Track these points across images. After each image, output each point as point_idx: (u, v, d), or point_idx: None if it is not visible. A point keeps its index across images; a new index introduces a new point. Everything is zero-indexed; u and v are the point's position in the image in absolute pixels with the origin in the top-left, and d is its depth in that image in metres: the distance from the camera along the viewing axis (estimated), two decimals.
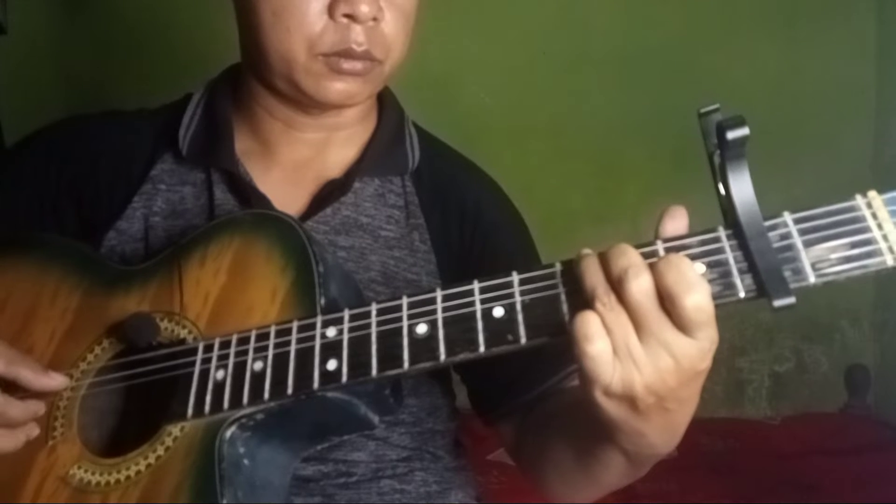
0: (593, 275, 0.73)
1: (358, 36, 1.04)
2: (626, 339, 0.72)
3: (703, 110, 0.74)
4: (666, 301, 0.70)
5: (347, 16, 1.03)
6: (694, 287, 0.69)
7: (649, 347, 0.72)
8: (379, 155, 1.17)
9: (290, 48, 1.05)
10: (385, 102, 1.21)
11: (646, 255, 0.73)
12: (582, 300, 0.74)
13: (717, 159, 0.73)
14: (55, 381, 0.95)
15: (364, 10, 1.02)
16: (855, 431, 2.41)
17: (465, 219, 1.17)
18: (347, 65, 1.05)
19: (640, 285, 0.70)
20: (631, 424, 0.78)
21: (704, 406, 2.67)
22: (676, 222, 0.76)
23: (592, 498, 1.06)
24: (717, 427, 2.47)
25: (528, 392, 1.12)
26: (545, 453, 1.07)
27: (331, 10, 1.03)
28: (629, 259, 0.72)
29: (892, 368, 2.70)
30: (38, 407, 0.94)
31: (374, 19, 1.04)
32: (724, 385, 2.77)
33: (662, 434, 0.82)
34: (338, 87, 1.07)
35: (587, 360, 0.72)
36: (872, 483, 2.03)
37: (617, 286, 0.71)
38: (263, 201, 1.10)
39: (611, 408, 0.76)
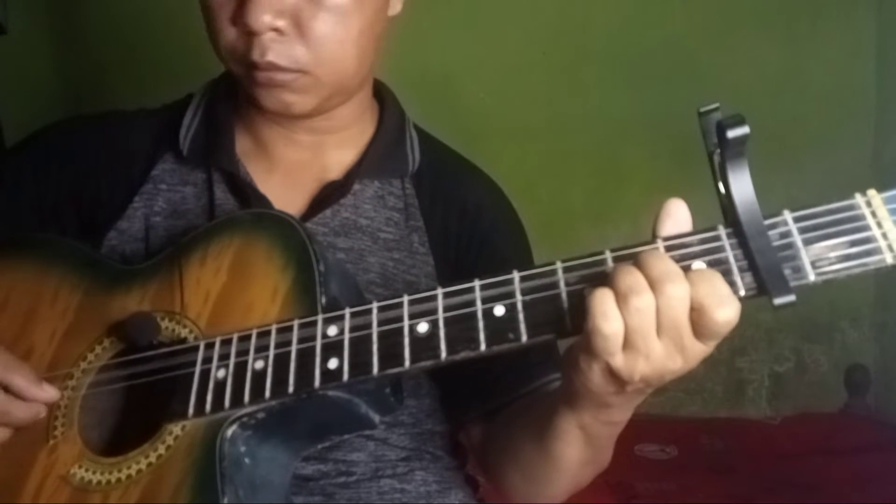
0: (633, 274, 0.72)
1: (259, 48, 1.00)
2: (647, 334, 0.72)
3: (702, 109, 0.74)
4: (694, 311, 0.71)
5: (244, 27, 1.00)
6: (725, 301, 0.70)
7: (667, 349, 0.73)
8: (379, 157, 1.16)
9: (222, 59, 1.06)
10: (386, 104, 1.21)
11: None
12: (583, 298, 0.74)
13: (717, 158, 0.73)
14: (46, 393, 0.94)
15: (253, 21, 0.98)
16: (855, 431, 2.41)
17: (463, 221, 1.17)
18: (261, 76, 1.03)
19: (679, 291, 0.70)
20: (606, 398, 0.79)
21: (704, 406, 2.68)
22: (676, 219, 0.76)
23: (556, 494, 1.07)
24: (717, 427, 2.47)
25: (502, 397, 1.12)
26: (508, 448, 1.08)
27: (233, 20, 1.01)
28: (668, 265, 0.72)
29: (892, 368, 2.69)
30: (40, 408, 0.94)
31: (277, 30, 1.00)
32: (724, 385, 2.77)
33: (625, 410, 0.85)
34: (272, 97, 1.06)
35: (600, 337, 0.72)
36: (872, 483, 2.03)
37: (654, 286, 0.71)
38: (263, 202, 1.10)
39: (601, 382, 0.77)
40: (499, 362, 1.04)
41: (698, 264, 0.73)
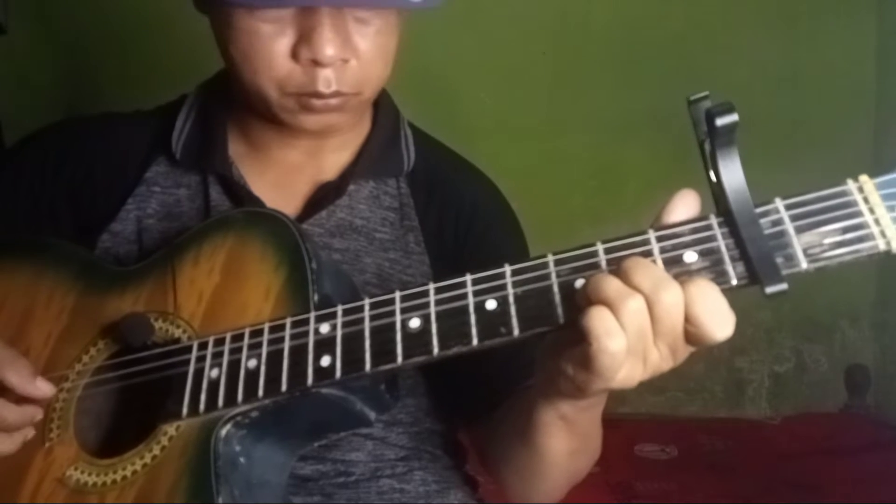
0: (613, 283, 0.71)
1: (325, 79, 1.01)
2: (645, 343, 0.72)
3: (692, 98, 0.73)
4: (690, 324, 0.70)
5: (311, 60, 1.00)
6: (727, 322, 0.69)
7: (662, 354, 0.73)
8: (374, 157, 1.16)
9: (261, 87, 1.03)
10: (380, 104, 1.20)
11: (637, 244, 0.74)
12: (574, 291, 0.74)
13: (707, 147, 0.73)
14: (40, 390, 0.94)
15: (328, 54, 0.99)
16: (855, 431, 2.42)
17: (459, 220, 1.17)
18: (318, 103, 1.03)
19: (675, 298, 0.70)
20: (588, 394, 0.79)
21: (704, 406, 2.68)
22: (688, 201, 0.76)
23: (555, 488, 1.07)
24: (717, 427, 2.48)
25: (492, 396, 1.11)
26: (499, 450, 1.08)
27: (294, 54, 1.01)
28: (656, 273, 0.71)
29: (892, 368, 2.70)
30: (35, 411, 0.94)
31: (343, 60, 1.01)
32: (724, 385, 2.78)
33: (604, 397, 0.85)
34: (314, 120, 1.06)
35: (606, 356, 0.70)
36: (872, 483, 2.04)
37: (650, 295, 0.70)
38: (258, 204, 1.10)
39: (594, 392, 0.77)
40: (491, 362, 1.04)
41: (690, 255, 0.72)
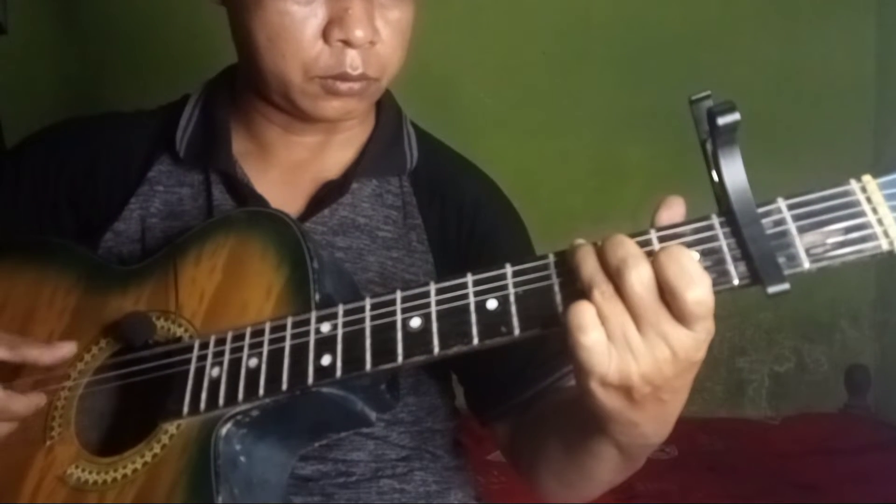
0: (590, 264, 0.72)
1: (353, 60, 1.03)
2: (624, 329, 0.71)
3: (694, 97, 0.73)
4: (666, 294, 0.70)
5: (342, 41, 1.02)
6: (695, 281, 0.69)
7: (647, 338, 0.71)
8: (377, 155, 1.16)
9: (286, 71, 1.04)
10: (383, 102, 1.20)
11: (640, 245, 0.73)
12: (575, 290, 0.73)
13: (709, 146, 0.73)
14: (64, 349, 0.95)
15: (359, 35, 1.01)
16: (855, 431, 2.41)
17: (462, 219, 1.17)
18: (344, 86, 1.04)
19: (640, 276, 0.70)
20: (625, 415, 0.77)
21: (704, 406, 2.68)
22: (673, 212, 0.75)
23: (590, 496, 1.05)
24: (717, 427, 2.47)
25: (524, 392, 1.11)
26: (539, 452, 1.07)
27: (325, 35, 1.02)
28: (627, 249, 0.71)
29: (892, 368, 2.70)
30: (39, 399, 0.94)
31: (371, 42, 1.03)
32: (724, 385, 2.78)
33: (655, 424, 0.82)
34: (334, 106, 1.07)
35: (582, 350, 0.71)
36: (872, 483, 2.03)
37: (615, 276, 0.71)
38: (261, 203, 1.10)
39: (606, 398, 0.75)
40: (516, 357, 1.06)
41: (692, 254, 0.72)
